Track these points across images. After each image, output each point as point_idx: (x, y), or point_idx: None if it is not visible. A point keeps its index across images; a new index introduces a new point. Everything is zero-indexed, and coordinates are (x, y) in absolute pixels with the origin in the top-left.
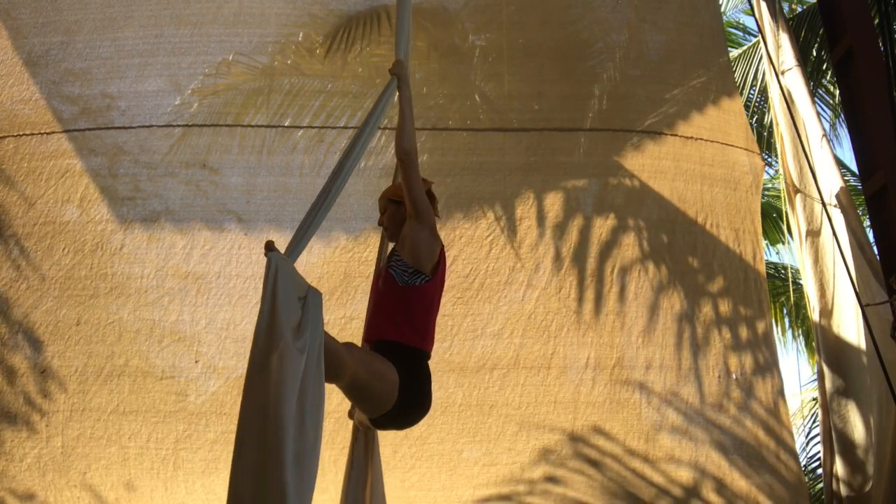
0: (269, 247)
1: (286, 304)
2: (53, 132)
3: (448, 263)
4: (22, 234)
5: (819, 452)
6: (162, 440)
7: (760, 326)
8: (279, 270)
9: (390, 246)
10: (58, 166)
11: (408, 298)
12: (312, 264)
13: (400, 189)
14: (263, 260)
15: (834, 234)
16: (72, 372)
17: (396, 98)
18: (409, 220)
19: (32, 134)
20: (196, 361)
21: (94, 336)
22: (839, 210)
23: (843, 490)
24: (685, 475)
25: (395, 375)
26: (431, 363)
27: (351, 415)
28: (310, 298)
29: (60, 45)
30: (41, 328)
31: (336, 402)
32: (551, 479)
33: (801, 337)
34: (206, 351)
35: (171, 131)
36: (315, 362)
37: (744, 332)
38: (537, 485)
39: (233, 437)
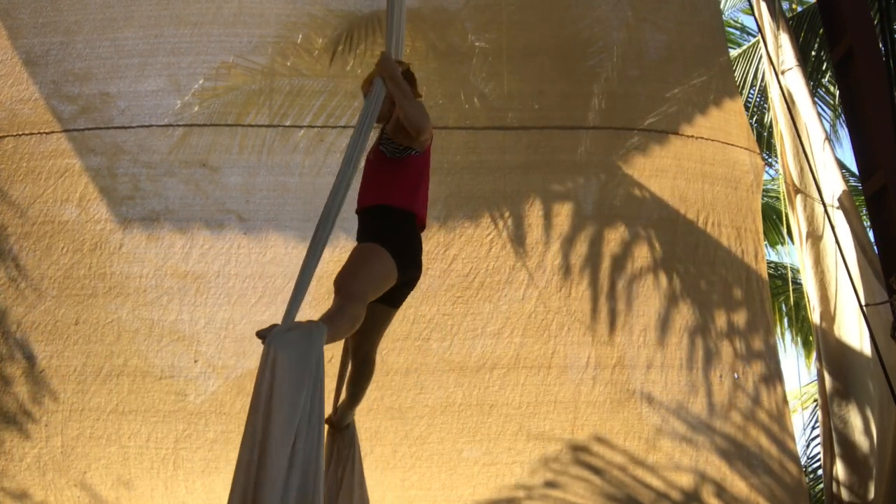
0: (262, 334)
1: (287, 402)
2: (53, 132)
3: (448, 263)
4: (21, 233)
5: (819, 453)
6: (161, 440)
7: (762, 324)
8: (277, 363)
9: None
10: (57, 166)
11: (397, 167)
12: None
13: (380, 69)
14: (263, 259)
15: (834, 234)
16: (71, 371)
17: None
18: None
19: (32, 133)
20: (195, 361)
21: (93, 336)
22: (840, 211)
23: (844, 493)
24: (685, 477)
25: (384, 257)
26: (431, 360)
27: (328, 420)
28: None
29: (60, 45)
30: (40, 327)
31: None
32: (551, 479)
33: (799, 337)
34: (206, 350)
35: (171, 131)
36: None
37: (745, 330)
38: (537, 485)
39: (232, 436)
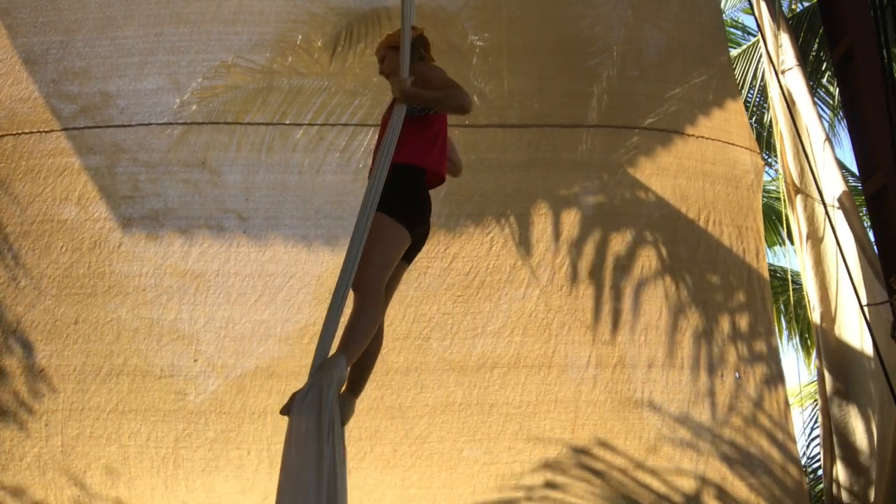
0: (284, 412)
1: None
2: (52, 130)
3: (448, 261)
4: (20, 232)
5: (818, 454)
6: (161, 439)
7: (764, 324)
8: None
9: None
10: (56, 164)
11: (413, 125)
12: (314, 262)
13: (397, 35)
14: (262, 257)
15: (835, 234)
16: (70, 371)
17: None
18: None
19: (31, 132)
20: (195, 360)
21: (92, 335)
22: (840, 211)
23: (844, 494)
24: (686, 477)
25: (391, 225)
26: (431, 359)
27: None
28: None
29: (60, 45)
30: (39, 327)
31: None
32: (552, 479)
33: (797, 338)
34: (205, 350)
35: (170, 129)
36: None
37: (747, 329)
38: (537, 485)
39: (232, 435)
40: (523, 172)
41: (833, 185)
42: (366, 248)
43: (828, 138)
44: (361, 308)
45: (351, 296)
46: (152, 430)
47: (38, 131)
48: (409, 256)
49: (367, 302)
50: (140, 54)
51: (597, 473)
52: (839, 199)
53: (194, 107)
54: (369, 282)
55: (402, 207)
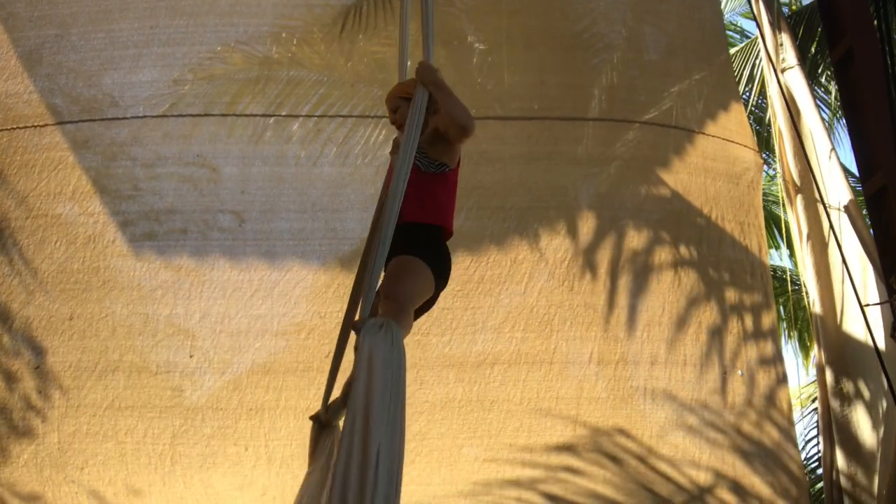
0: (357, 327)
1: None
2: (47, 125)
3: None
4: (14, 227)
5: (816, 454)
6: (158, 435)
7: (766, 319)
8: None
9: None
10: (50, 159)
11: (433, 183)
12: (310, 256)
13: (409, 86)
14: (259, 251)
15: (834, 233)
16: (66, 368)
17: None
18: (443, 121)
19: (26, 127)
20: (191, 356)
21: (87, 331)
22: (841, 211)
23: (845, 497)
24: (688, 474)
25: (426, 270)
26: (431, 355)
27: (315, 417)
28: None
29: (55, 39)
30: (34, 323)
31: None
32: (552, 475)
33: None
34: (201, 345)
35: (165, 122)
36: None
37: (750, 326)
38: (538, 482)
39: (229, 432)
40: (524, 165)
41: (839, 192)
42: (405, 269)
43: (833, 148)
44: (394, 317)
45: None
46: (149, 427)
47: (33, 126)
48: (419, 313)
49: (398, 314)
50: (135, 47)
51: (598, 470)
52: (846, 207)
53: (190, 99)
54: (402, 290)
55: (434, 262)
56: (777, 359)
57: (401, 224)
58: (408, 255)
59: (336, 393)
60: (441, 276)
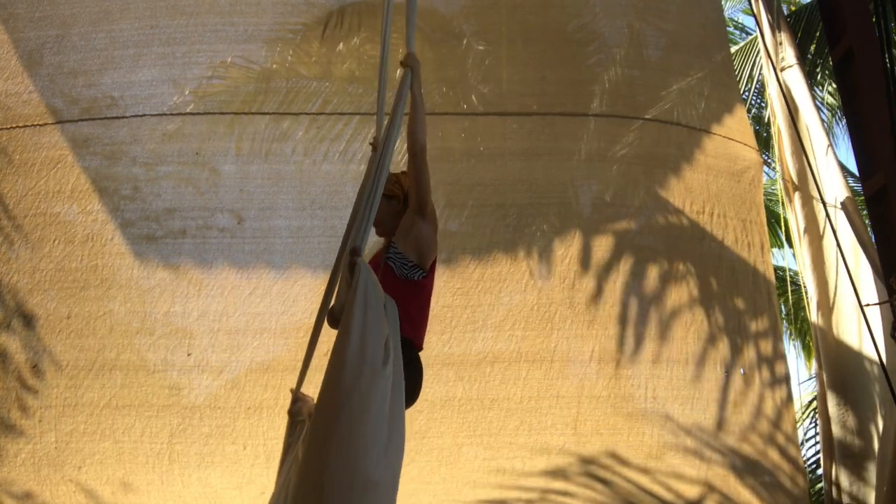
0: (356, 252)
1: (376, 323)
2: (46, 124)
3: (446, 253)
4: (13, 225)
5: (816, 455)
6: (156, 434)
7: (769, 317)
8: (369, 283)
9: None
10: (50, 157)
11: (405, 291)
12: (309, 254)
13: (389, 184)
14: (257, 249)
15: (834, 233)
16: (63, 366)
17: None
18: (412, 213)
19: (26, 126)
20: (188, 354)
21: (85, 329)
22: (840, 210)
23: (845, 497)
24: (687, 474)
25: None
26: (430, 354)
27: (290, 411)
28: (389, 308)
29: (56, 39)
30: (32, 321)
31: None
32: (553, 474)
33: (798, 338)
34: (199, 344)
35: (165, 121)
36: (398, 382)
37: (752, 324)
38: (538, 480)
39: (227, 431)
40: (524, 161)
41: (836, 190)
42: None
43: (830, 144)
44: None
45: None
46: (147, 426)
47: (33, 125)
48: None
49: None
50: (135, 46)
51: (599, 469)
52: (843, 204)
53: (189, 98)
54: None
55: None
56: (780, 359)
57: None
58: None
59: (306, 387)
60: (410, 391)
